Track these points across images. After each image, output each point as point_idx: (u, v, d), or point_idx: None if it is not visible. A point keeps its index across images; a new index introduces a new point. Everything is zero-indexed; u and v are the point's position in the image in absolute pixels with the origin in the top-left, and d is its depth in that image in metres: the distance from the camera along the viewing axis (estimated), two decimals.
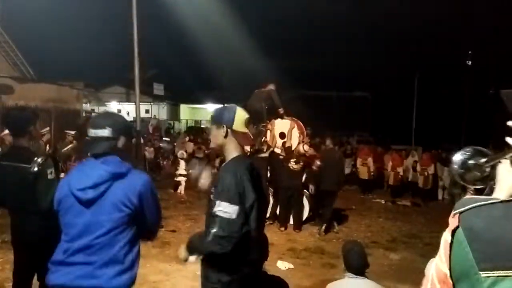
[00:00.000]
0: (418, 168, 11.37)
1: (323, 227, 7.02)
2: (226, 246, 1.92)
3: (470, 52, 25.47)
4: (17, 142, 2.95)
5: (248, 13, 23.15)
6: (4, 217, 4.69)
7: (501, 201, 0.92)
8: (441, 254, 0.96)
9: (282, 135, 7.91)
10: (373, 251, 5.92)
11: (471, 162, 1.10)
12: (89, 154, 2.01)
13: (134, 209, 1.91)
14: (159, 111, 33.14)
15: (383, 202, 10.77)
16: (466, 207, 0.93)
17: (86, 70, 25.03)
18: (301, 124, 8.05)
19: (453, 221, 0.94)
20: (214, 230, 1.93)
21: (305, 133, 8.00)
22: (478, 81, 23.79)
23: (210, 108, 35.41)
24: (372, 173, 11.99)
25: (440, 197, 11.39)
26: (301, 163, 7.22)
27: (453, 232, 0.93)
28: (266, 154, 7.65)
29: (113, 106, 30.62)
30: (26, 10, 18.62)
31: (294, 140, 7.74)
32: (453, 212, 0.95)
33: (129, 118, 24.47)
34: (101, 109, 29.21)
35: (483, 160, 1.07)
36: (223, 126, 2.13)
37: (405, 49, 25.21)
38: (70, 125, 7.53)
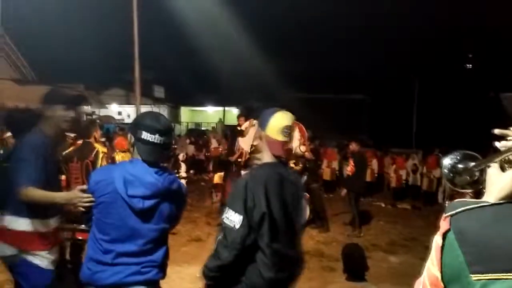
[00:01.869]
0: (424, 170, 11.38)
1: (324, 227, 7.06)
2: (226, 256, 1.85)
3: (470, 55, 25.53)
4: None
5: (248, 16, 23.20)
6: None
7: (491, 204, 0.93)
8: (433, 257, 0.96)
9: None
10: (373, 254, 5.92)
11: (460, 166, 1.10)
12: (141, 158, 1.96)
13: (174, 219, 2.09)
14: None
15: (383, 205, 10.77)
16: (457, 210, 0.93)
17: (87, 72, 25.04)
18: (302, 126, 8.06)
19: (444, 224, 0.95)
20: (219, 237, 1.91)
21: (306, 135, 8.01)
22: (478, 84, 23.82)
23: (210, 110, 35.45)
24: (375, 175, 12.01)
25: (440, 200, 11.38)
26: (301, 165, 7.23)
27: (444, 235, 0.94)
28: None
29: (113, 108, 30.60)
30: (27, 12, 18.66)
31: (295, 142, 7.75)
32: (444, 215, 0.96)
33: (129, 121, 24.52)
34: (102, 111, 29.22)
35: (472, 164, 1.07)
36: (260, 129, 2.07)
37: (404, 52, 25.23)
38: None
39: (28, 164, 2.31)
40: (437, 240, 0.95)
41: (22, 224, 2.39)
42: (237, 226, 1.84)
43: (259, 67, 23.86)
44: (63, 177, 3.94)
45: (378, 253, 6.22)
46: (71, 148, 4.43)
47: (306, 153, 7.50)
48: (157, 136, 1.91)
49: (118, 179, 1.90)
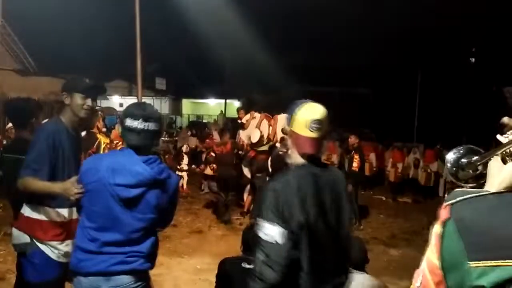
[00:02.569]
0: (421, 164, 11.37)
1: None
2: (273, 276, 1.63)
3: (473, 49, 25.35)
4: (20, 134, 2.95)
5: (251, 8, 23.04)
6: (6, 209, 4.73)
7: (492, 193, 0.93)
8: (432, 245, 0.97)
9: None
10: (373, 247, 5.94)
11: (463, 160, 1.10)
12: (127, 144, 1.96)
13: (163, 210, 2.02)
14: (161, 106, 33.11)
15: (383, 198, 10.79)
16: (458, 199, 0.94)
17: (88, 63, 24.98)
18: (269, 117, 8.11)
19: (443, 213, 0.95)
20: (258, 256, 1.68)
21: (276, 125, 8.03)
22: (481, 78, 23.70)
23: (212, 103, 35.39)
24: (374, 169, 12.00)
25: (441, 194, 11.37)
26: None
27: (444, 223, 0.94)
28: (265, 148, 7.56)
29: (115, 100, 30.59)
30: (28, 3, 18.58)
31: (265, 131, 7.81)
32: (444, 204, 0.96)
33: None
34: (103, 102, 29.18)
35: (475, 158, 1.07)
36: (286, 125, 1.84)
37: (407, 46, 25.07)
38: None
39: (32, 152, 2.29)
40: (436, 229, 0.96)
41: (35, 211, 2.39)
42: (279, 241, 1.63)
43: (262, 60, 23.76)
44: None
45: (379, 246, 6.25)
46: None
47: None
48: (140, 121, 1.89)
49: (105, 167, 1.90)
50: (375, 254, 5.48)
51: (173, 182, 2.04)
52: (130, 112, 1.95)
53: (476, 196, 0.93)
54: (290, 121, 1.81)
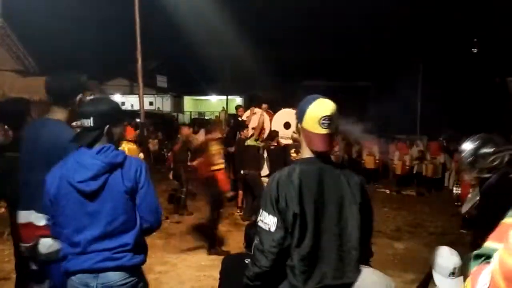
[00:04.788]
0: (428, 157, 11.33)
1: None
2: (264, 262, 1.70)
3: (475, 39, 25.17)
4: (17, 134, 2.95)
5: (252, 4, 22.96)
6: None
7: None
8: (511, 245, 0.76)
9: (287, 125, 7.89)
10: (378, 240, 5.93)
11: (481, 151, 1.06)
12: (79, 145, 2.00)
13: (134, 194, 1.98)
14: (163, 103, 33.15)
15: (387, 191, 10.76)
16: None
17: (89, 62, 24.97)
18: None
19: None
20: (255, 242, 1.77)
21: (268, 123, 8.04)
22: (484, 69, 23.54)
23: (213, 99, 35.38)
24: (377, 162, 11.98)
25: (446, 184, 11.28)
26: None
27: None
28: (254, 143, 7.42)
29: (116, 98, 30.61)
30: (27, 2, 18.56)
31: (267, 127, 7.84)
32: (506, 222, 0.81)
33: (133, 110, 24.46)
34: None
35: (494, 149, 1.03)
36: (297, 122, 1.84)
37: (408, 38, 24.90)
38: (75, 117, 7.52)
39: None
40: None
41: None
42: (273, 229, 1.69)
43: (263, 55, 23.69)
44: None
45: (383, 239, 6.24)
46: None
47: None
48: (81, 120, 2.00)
49: (61, 172, 1.97)
50: (379, 247, 5.48)
51: (134, 162, 2.02)
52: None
53: None
54: (301, 118, 1.81)
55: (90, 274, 1.93)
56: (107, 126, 2.00)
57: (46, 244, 2.27)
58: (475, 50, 24.93)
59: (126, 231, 1.96)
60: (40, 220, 2.26)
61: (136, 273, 2.02)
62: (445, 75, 24.37)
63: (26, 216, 2.35)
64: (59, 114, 2.35)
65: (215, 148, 5.51)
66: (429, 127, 18.22)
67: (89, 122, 1.97)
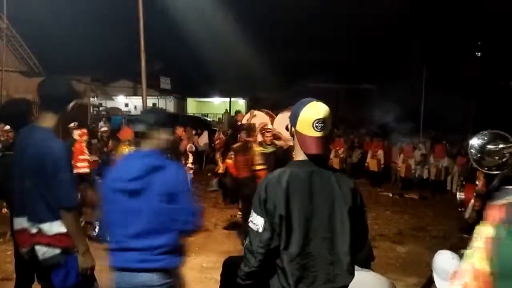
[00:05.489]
0: (431, 160, 11.29)
1: None
2: (252, 262, 1.75)
3: (479, 43, 25.10)
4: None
5: (255, 6, 23.01)
6: None
7: None
8: (480, 249, 0.83)
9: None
10: (380, 244, 5.91)
11: (490, 146, 1.03)
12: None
13: (173, 197, 2.09)
14: (166, 105, 33.17)
15: (390, 195, 10.72)
16: None
17: (93, 64, 25.07)
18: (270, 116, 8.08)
19: (496, 213, 0.83)
20: (246, 242, 1.81)
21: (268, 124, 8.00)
22: (488, 72, 23.46)
23: (216, 101, 35.40)
24: (382, 165, 11.95)
25: (449, 187, 11.24)
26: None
27: (499, 225, 0.82)
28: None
29: (120, 100, 30.72)
30: (32, 4, 18.68)
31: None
32: (495, 203, 0.84)
33: (136, 112, 24.53)
34: (109, 103, 29.31)
35: (503, 145, 1.00)
36: (291, 125, 1.86)
37: (412, 40, 24.88)
38: (77, 119, 7.55)
39: (66, 182, 2.22)
40: (487, 230, 0.84)
41: (62, 226, 2.29)
42: (260, 230, 1.72)
43: (267, 57, 23.71)
44: None
45: (385, 243, 6.21)
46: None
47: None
48: (134, 125, 2.31)
49: (111, 173, 2.20)
50: (382, 251, 5.46)
51: (174, 167, 2.17)
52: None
53: None
54: (294, 121, 1.82)
55: (131, 272, 2.04)
56: (155, 131, 2.19)
57: (40, 251, 2.30)
58: (479, 54, 24.85)
59: (165, 232, 2.07)
60: (32, 227, 2.29)
61: (174, 274, 2.12)
62: (449, 78, 24.31)
63: (20, 223, 2.36)
64: (48, 120, 2.32)
65: (258, 149, 5.68)
66: (433, 130, 18.16)
67: (140, 127, 2.19)
